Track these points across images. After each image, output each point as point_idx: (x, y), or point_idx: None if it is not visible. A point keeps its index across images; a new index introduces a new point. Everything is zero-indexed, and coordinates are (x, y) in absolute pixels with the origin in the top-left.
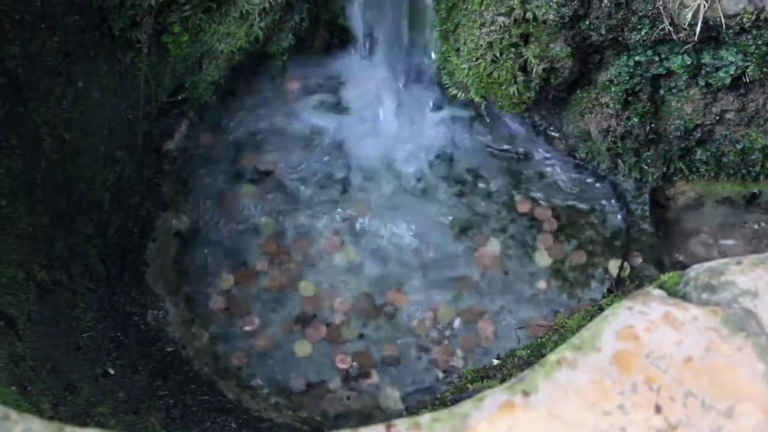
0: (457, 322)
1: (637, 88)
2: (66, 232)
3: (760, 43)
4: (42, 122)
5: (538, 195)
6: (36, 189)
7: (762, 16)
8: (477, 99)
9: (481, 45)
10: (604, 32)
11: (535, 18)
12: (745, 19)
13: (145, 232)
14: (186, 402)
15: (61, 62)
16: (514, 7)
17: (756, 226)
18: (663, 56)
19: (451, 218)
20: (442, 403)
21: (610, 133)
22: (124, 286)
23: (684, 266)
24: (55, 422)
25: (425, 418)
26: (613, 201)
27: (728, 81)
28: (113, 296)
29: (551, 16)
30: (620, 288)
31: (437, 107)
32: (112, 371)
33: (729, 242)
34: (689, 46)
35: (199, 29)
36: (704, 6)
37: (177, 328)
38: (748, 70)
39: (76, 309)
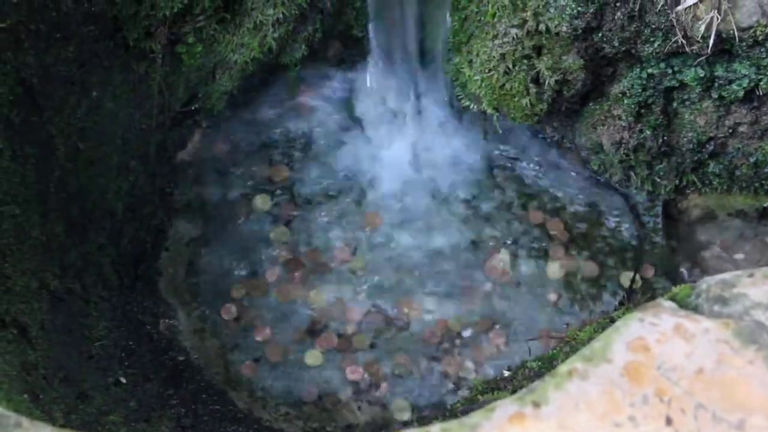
0: (467, 333)
1: (650, 101)
2: (79, 241)
3: None
4: (56, 131)
5: (550, 207)
6: (50, 198)
7: None
8: (489, 110)
9: (494, 56)
10: (617, 44)
11: (547, 30)
12: (758, 32)
13: (158, 242)
14: (197, 411)
15: (76, 72)
16: (527, 19)
17: None
18: (676, 69)
19: (462, 229)
20: (453, 415)
21: (623, 145)
22: (137, 295)
23: (696, 279)
24: (67, 430)
25: (435, 428)
26: (625, 213)
27: (741, 94)
28: (126, 305)
29: (564, 28)
30: (632, 300)
31: (450, 119)
32: (123, 380)
33: (741, 255)
34: (702, 58)
35: (213, 40)
36: (717, 19)
37: (189, 338)
38: (762, 83)
39: (89, 318)
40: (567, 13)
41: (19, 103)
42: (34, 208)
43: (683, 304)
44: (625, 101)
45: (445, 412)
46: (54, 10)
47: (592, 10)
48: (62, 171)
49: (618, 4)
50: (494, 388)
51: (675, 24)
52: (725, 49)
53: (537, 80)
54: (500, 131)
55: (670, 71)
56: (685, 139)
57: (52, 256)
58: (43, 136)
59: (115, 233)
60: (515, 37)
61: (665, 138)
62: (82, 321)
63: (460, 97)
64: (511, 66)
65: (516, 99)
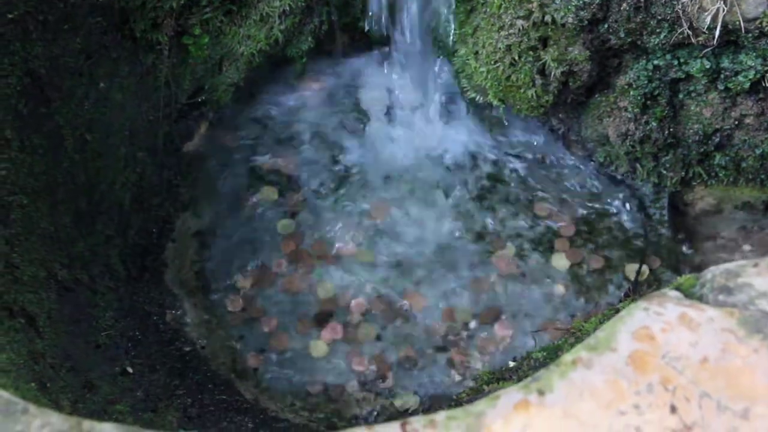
0: (473, 324)
1: (656, 92)
2: (87, 232)
3: None
4: (64, 122)
5: (555, 199)
6: (58, 189)
7: None
8: (495, 102)
9: (500, 48)
10: (622, 36)
11: (553, 21)
12: (764, 23)
13: (165, 233)
14: (203, 401)
15: (84, 63)
16: (533, 10)
17: None
18: (682, 60)
19: (469, 221)
20: (458, 405)
21: (629, 137)
22: (144, 285)
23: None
24: (74, 417)
25: (441, 416)
26: (631, 205)
27: (747, 85)
28: (133, 296)
29: (570, 20)
30: (638, 292)
31: (455, 110)
32: (130, 370)
33: (747, 247)
34: (708, 50)
35: (220, 31)
36: (723, 10)
37: (195, 328)
38: None
39: (96, 308)
40: (573, 4)
41: (27, 93)
42: (43, 198)
43: (688, 294)
44: (631, 93)
45: (450, 402)
46: (61, 1)
47: (598, 1)
48: (70, 162)
49: None
50: (500, 379)
51: (681, 15)
52: (731, 40)
53: (543, 72)
54: (506, 123)
55: (676, 63)
56: (691, 130)
57: (60, 247)
58: (50, 127)
59: (123, 224)
60: (521, 28)
61: (671, 130)
62: (90, 311)
63: (465, 89)
64: (516, 57)
65: (522, 91)
